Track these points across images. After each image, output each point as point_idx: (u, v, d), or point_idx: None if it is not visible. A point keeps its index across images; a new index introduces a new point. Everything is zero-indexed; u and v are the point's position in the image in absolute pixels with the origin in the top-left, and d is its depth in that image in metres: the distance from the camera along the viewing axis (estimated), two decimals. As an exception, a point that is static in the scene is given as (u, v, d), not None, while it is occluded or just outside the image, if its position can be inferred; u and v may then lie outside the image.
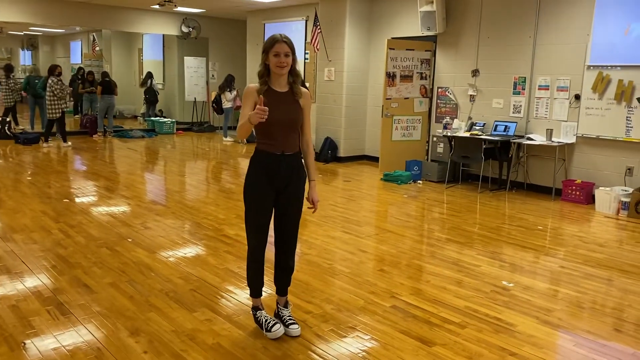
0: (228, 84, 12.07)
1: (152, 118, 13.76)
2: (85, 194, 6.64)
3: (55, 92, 10.09)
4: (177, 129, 13.34)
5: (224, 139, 12.09)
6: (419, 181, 8.03)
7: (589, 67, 6.76)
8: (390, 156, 8.45)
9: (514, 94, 7.57)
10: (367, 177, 8.36)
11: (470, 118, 8.04)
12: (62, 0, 11.73)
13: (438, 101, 8.57)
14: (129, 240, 4.78)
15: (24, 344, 2.90)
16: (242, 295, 3.61)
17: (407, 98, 8.50)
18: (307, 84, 10.03)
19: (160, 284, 3.79)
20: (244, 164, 9.09)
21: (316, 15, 9.41)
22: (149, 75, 14.37)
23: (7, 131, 11.00)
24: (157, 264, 4.19)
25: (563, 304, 3.67)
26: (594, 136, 6.81)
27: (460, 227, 5.60)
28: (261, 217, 2.98)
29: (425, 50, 8.52)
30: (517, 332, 3.20)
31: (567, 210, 6.47)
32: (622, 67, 6.49)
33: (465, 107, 8.19)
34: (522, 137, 7.32)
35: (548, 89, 7.21)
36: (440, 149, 8.22)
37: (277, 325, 3.04)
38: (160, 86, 14.85)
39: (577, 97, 6.92)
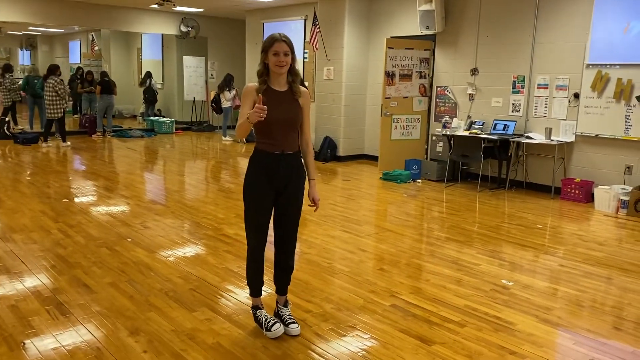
0: (227, 83, 12.06)
1: (151, 118, 13.75)
2: (84, 193, 6.64)
3: (59, 92, 10.09)
4: (176, 129, 13.33)
5: (223, 138, 12.08)
6: (418, 180, 8.03)
7: (588, 65, 6.77)
8: (389, 155, 8.45)
9: (513, 92, 7.57)
10: (367, 176, 8.37)
11: (469, 117, 8.04)
12: (60, 0, 11.72)
13: (437, 100, 8.57)
14: (129, 239, 4.78)
15: (24, 343, 2.90)
16: (241, 294, 3.61)
17: (407, 97, 8.50)
18: (306, 83, 10.02)
19: (160, 283, 3.79)
20: (243, 164, 9.09)
21: (315, 14, 9.40)
22: (148, 74, 14.36)
23: (6, 131, 10.99)
24: (157, 264, 4.19)
25: (562, 302, 3.67)
26: (593, 135, 6.81)
27: (459, 226, 5.60)
28: (261, 216, 2.98)
29: (425, 49, 8.52)
30: (517, 331, 3.20)
31: (566, 209, 6.48)
32: (621, 65, 6.49)
33: (464, 106, 8.19)
34: (521, 135, 7.32)
35: (547, 88, 7.22)
36: (439, 148, 8.22)
37: (277, 325, 3.04)
38: (159, 86, 14.84)
39: (576, 95, 6.92)
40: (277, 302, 3.21)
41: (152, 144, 11.42)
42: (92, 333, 3.03)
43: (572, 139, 7.01)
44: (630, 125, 6.47)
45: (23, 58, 21.32)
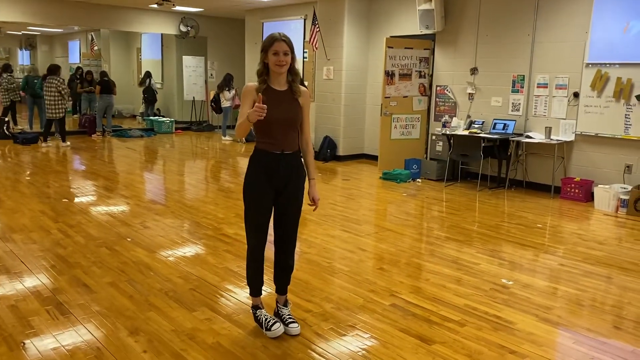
0: (227, 83, 12.06)
1: (151, 117, 13.75)
2: (84, 193, 6.64)
3: (62, 92, 10.09)
4: (176, 129, 13.33)
5: (223, 138, 12.08)
6: (418, 180, 8.03)
7: (587, 64, 6.76)
8: (389, 155, 8.45)
9: (512, 92, 7.57)
10: (366, 176, 8.36)
11: (469, 116, 8.03)
12: (60, 0, 11.71)
13: (437, 99, 8.57)
14: (128, 239, 4.78)
15: (24, 343, 2.90)
16: (241, 294, 3.61)
17: (406, 96, 8.50)
18: (305, 83, 10.01)
19: (160, 283, 3.79)
20: (243, 163, 9.09)
21: (315, 14, 9.40)
22: (148, 74, 14.36)
23: (5, 131, 10.98)
24: (157, 264, 4.18)
25: (562, 301, 3.67)
26: (593, 134, 6.81)
27: (459, 225, 5.60)
28: (260, 216, 2.97)
29: (424, 49, 8.51)
30: (517, 330, 3.20)
31: (566, 208, 6.48)
32: (620, 64, 6.49)
33: (464, 106, 8.19)
34: (521, 135, 7.32)
35: (547, 87, 7.21)
36: (439, 147, 8.22)
37: (277, 324, 3.04)
38: (158, 85, 14.83)
39: (576, 95, 6.92)
40: (277, 302, 3.21)
41: (152, 144, 11.41)
42: (92, 333, 3.03)
43: (571, 138, 7.01)
44: (630, 125, 6.47)
45: (22, 58, 21.31)
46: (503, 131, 7.43)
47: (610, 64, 6.57)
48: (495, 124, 7.59)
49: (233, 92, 12.05)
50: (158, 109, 14.79)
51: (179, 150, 10.83)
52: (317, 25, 9.32)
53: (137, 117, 15.45)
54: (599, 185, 6.53)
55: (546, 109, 7.25)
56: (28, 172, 7.78)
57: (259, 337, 3.03)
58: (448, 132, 7.75)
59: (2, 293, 3.55)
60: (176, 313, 3.31)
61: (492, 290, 3.81)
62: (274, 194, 2.96)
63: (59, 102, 10.12)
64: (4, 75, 11.83)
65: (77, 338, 2.97)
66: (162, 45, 15.13)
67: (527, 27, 7.32)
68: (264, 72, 2.88)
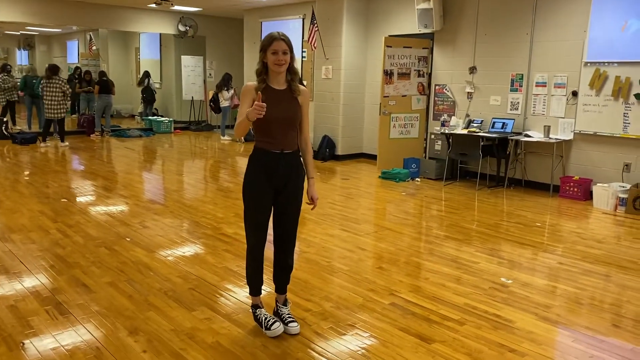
0: (225, 82, 12.05)
1: (150, 117, 13.74)
2: (83, 193, 6.63)
3: (65, 92, 10.08)
4: (175, 128, 13.32)
5: (222, 137, 12.08)
6: (417, 179, 8.03)
7: (586, 63, 6.77)
8: (388, 154, 8.46)
9: (511, 91, 7.57)
10: (365, 175, 8.37)
11: (467, 115, 8.04)
12: (58, 0, 11.70)
13: (436, 99, 8.57)
14: (128, 239, 4.77)
15: (23, 344, 2.90)
16: (241, 293, 3.61)
17: (405, 96, 8.50)
18: (304, 82, 10.01)
19: (159, 283, 3.79)
20: (242, 163, 9.09)
21: (313, 13, 9.40)
22: (146, 74, 14.34)
23: (4, 131, 10.96)
24: (156, 263, 4.18)
25: (561, 300, 3.68)
26: (592, 133, 6.82)
27: (458, 224, 5.60)
28: (260, 215, 2.97)
29: (423, 48, 8.52)
30: (516, 329, 3.21)
31: (565, 207, 6.48)
32: (619, 63, 6.49)
33: (462, 105, 8.19)
34: (519, 134, 7.33)
35: (545, 86, 7.22)
36: (438, 146, 8.23)
37: (277, 324, 3.04)
38: (157, 85, 14.81)
39: (575, 93, 6.93)
40: (276, 301, 3.21)
41: (151, 144, 11.41)
42: (92, 333, 3.03)
43: (570, 136, 7.01)
44: (629, 123, 6.48)
45: (21, 58, 21.27)
46: (502, 130, 7.44)
47: (608, 62, 6.58)
48: (494, 122, 7.60)
49: (232, 91, 12.04)
50: (155, 109, 14.78)
51: (178, 150, 10.83)
52: (315, 25, 9.32)
53: (135, 116, 15.44)
54: (598, 184, 6.54)
55: (545, 108, 7.25)
56: (27, 172, 7.77)
57: (258, 337, 3.03)
58: (447, 131, 7.75)
59: (1, 293, 3.54)
60: (175, 313, 3.31)
61: (492, 289, 3.82)
62: (274, 193, 2.96)
63: (62, 102, 10.11)
64: (0, 75, 11.79)
65: (77, 338, 2.97)
66: (160, 45, 15.11)
67: (525, 26, 7.32)
68: (263, 72, 2.88)
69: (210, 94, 12.83)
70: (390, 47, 8.24)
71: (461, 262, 4.38)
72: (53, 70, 10.14)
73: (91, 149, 10.43)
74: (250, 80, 2.98)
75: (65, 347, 2.86)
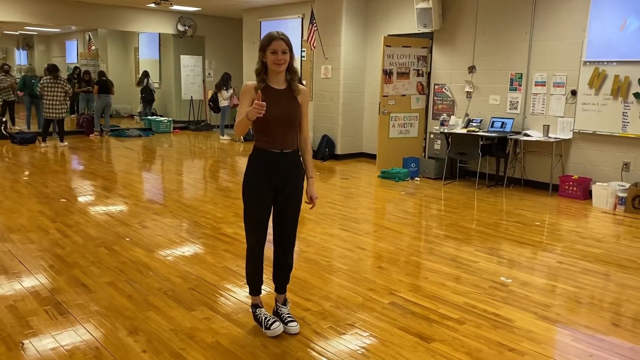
0: (224, 82, 12.05)
1: (149, 117, 13.73)
2: (82, 193, 6.63)
3: (67, 92, 10.06)
4: (174, 128, 13.32)
5: (221, 137, 12.07)
6: (416, 178, 8.04)
7: (585, 62, 6.77)
8: (387, 153, 8.46)
9: (510, 90, 7.57)
10: (365, 175, 8.37)
11: (467, 115, 8.04)
12: (57, 0, 11.68)
13: (435, 98, 8.58)
14: (127, 239, 4.77)
15: (22, 344, 2.89)
16: (240, 293, 3.61)
17: (404, 95, 8.50)
18: (304, 82, 10.01)
19: (159, 282, 3.78)
20: (241, 162, 9.09)
21: (312, 12, 9.39)
22: (145, 74, 14.32)
23: (3, 131, 10.95)
24: (155, 263, 4.18)
25: (561, 299, 3.68)
26: (591, 132, 6.82)
27: (457, 223, 5.61)
28: (260, 215, 2.97)
29: (422, 47, 8.52)
30: (516, 328, 3.21)
31: (564, 206, 6.49)
32: (618, 62, 6.50)
33: (462, 104, 8.20)
34: (519, 133, 7.33)
35: (544, 85, 7.22)
36: (437, 145, 8.23)
37: (277, 323, 3.04)
38: (156, 85, 14.80)
39: (574, 92, 6.93)
40: (276, 301, 3.21)
41: (150, 144, 11.40)
42: (91, 333, 3.02)
43: (569, 136, 7.02)
44: (628, 122, 6.48)
45: (20, 58, 21.25)
46: (501, 129, 7.44)
47: (607, 61, 6.58)
48: (493, 122, 7.60)
49: (231, 91, 12.04)
50: (154, 109, 14.76)
51: (177, 150, 10.82)
52: (314, 24, 9.32)
53: (134, 116, 15.42)
54: (597, 183, 6.54)
55: (544, 107, 7.25)
56: (26, 172, 7.77)
57: (258, 336, 3.03)
58: (446, 131, 7.75)
59: (0, 293, 3.54)
60: (175, 312, 3.31)
61: (491, 288, 3.82)
62: (273, 192, 2.96)
63: (64, 102, 10.10)
64: None
65: (76, 338, 2.97)
66: (159, 45, 15.09)
67: (524, 25, 7.33)
68: (263, 71, 2.88)
69: (210, 94, 12.83)
70: (390, 46, 8.24)
71: (461, 262, 4.38)
72: (54, 69, 10.11)
73: (90, 148, 10.43)
74: (249, 79, 2.98)
75: (65, 347, 2.86)
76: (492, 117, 7.66)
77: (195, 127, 13.79)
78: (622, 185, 6.37)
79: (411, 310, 3.41)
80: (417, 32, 8.41)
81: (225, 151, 10.60)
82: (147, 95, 14.25)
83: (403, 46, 8.36)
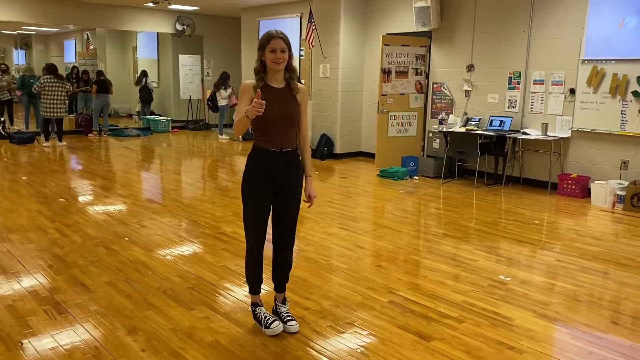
0: (223, 81, 12.04)
1: (147, 116, 13.72)
2: (81, 193, 6.62)
3: (68, 92, 10.05)
4: (173, 127, 13.31)
5: (220, 136, 12.07)
6: (415, 177, 8.04)
7: (583, 61, 6.78)
8: (386, 152, 8.46)
9: (509, 88, 7.58)
10: (364, 174, 8.37)
11: (465, 113, 8.04)
12: (55, -1, 11.69)
13: (433, 97, 8.58)
14: (126, 238, 4.77)
15: (21, 343, 2.89)
16: (239, 292, 3.61)
17: (403, 94, 8.50)
18: (302, 81, 10.01)
19: (158, 282, 3.78)
20: (240, 162, 9.09)
21: (311, 11, 9.39)
22: (144, 73, 14.32)
23: (1, 131, 10.93)
24: (154, 262, 4.18)
25: (560, 297, 3.68)
26: (589, 130, 6.83)
27: (456, 222, 5.61)
28: (259, 213, 2.97)
29: (420, 46, 8.52)
30: (515, 326, 3.21)
31: (563, 204, 6.49)
32: (616, 60, 6.50)
33: (460, 103, 8.20)
34: (517, 131, 7.34)
35: (543, 84, 7.23)
36: (436, 144, 8.23)
37: (276, 322, 3.04)
38: (155, 84, 14.79)
39: (572, 91, 6.94)
40: (275, 300, 3.21)
41: (149, 143, 11.39)
42: (90, 332, 3.02)
43: (568, 134, 7.02)
44: (626, 121, 6.48)
45: (18, 57, 21.23)
46: (500, 128, 7.44)
47: (606, 60, 6.58)
48: (491, 120, 7.60)
49: (229, 90, 12.03)
50: (152, 110, 14.75)
51: (176, 149, 10.82)
52: (313, 23, 9.32)
53: (133, 116, 15.41)
54: (596, 181, 6.55)
55: (542, 106, 7.26)
56: (25, 172, 7.75)
57: (257, 335, 3.03)
58: (445, 129, 7.76)
59: (-1, 293, 3.54)
60: (174, 312, 3.31)
61: (490, 287, 3.82)
62: (273, 191, 2.96)
63: (64, 102, 10.09)
64: None
65: (75, 337, 2.96)
66: (158, 44, 15.09)
67: (523, 24, 7.33)
68: (262, 70, 2.88)
69: (208, 93, 12.82)
70: (388, 45, 8.24)
71: (459, 260, 4.38)
72: (54, 70, 10.08)
73: (89, 148, 10.42)
74: (248, 79, 2.98)
75: (64, 347, 2.86)
76: (491, 116, 7.66)
77: (194, 126, 13.79)
78: (621, 184, 6.38)
79: (410, 309, 3.42)
80: (415, 31, 8.41)
81: (224, 150, 10.59)
82: (146, 95, 14.25)
83: (401, 45, 8.36)
